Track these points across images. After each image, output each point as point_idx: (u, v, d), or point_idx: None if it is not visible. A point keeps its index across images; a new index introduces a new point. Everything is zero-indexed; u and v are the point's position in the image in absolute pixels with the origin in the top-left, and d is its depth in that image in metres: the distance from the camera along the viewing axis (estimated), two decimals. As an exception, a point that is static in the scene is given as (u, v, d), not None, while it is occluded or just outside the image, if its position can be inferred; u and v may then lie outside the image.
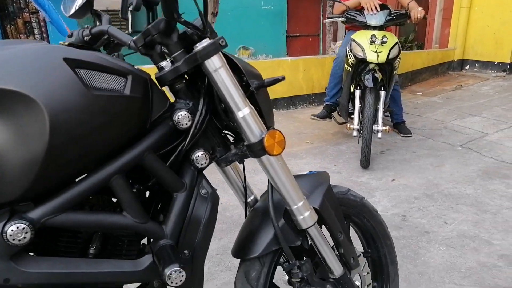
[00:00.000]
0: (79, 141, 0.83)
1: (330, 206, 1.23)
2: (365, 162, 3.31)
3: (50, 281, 0.84)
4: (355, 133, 3.46)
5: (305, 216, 1.14)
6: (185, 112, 0.98)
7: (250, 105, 1.02)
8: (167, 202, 1.03)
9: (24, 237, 0.81)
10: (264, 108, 1.10)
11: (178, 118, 0.98)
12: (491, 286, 1.95)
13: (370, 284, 1.42)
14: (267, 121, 1.10)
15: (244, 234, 1.21)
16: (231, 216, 2.65)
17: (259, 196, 1.34)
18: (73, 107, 0.79)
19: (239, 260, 1.21)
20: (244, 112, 1.00)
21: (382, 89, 3.40)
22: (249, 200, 1.34)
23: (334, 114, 4.23)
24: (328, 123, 4.41)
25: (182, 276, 0.88)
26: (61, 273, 0.86)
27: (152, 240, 0.98)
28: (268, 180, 1.14)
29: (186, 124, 0.99)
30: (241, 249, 1.18)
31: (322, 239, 1.19)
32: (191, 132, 1.00)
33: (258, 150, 1.03)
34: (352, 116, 3.63)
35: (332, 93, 4.14)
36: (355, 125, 3.44)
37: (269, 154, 1.03)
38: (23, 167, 0.80)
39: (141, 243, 1.05)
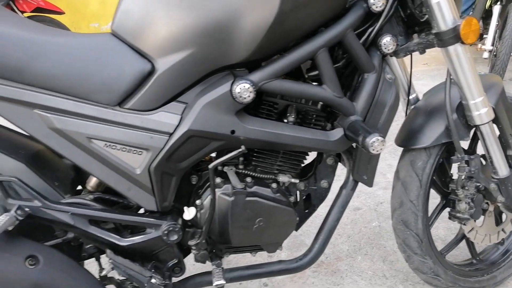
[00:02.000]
0: (301, 10, 0.89)
1: (504, 107, 1.21)
2: (495, 87, 3.07)
3: (262, 137, 0.97)
4: (486, 55, 3.19)
5: (481, 112, 1.14)
6: None
7: None
8: (348, 86, 1.09)
9: (248, 96, 0.92)
10: None
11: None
12: None
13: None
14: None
15: (410, 126, 1.24)
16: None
17: (421, 95, 1.35)
18: None
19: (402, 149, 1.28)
20: None
21: (530, 4, 3.02)
22: (410, 97, 1.36)
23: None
24: (449, 45, 4.08)
25: (383, 144, 0.96)
26: (271, 132, 0.98)
27: (340, 116, 1.06)
28: (448, 71, 1.13)
29: (380, 7, 1.00)
30: (408, 139, 1.23)
31: (493, 137, 1.19)
32: (384, 14, 1.01)
33: (449, 38, 1.02)
34: (484, 36, 3.32)
35: (461, 10, 3.78)
36: (488, 46, 3.16)
37: (463, 43, 1.02)
38: (253, 31, 0.89)
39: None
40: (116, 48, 0.92)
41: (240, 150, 0.92)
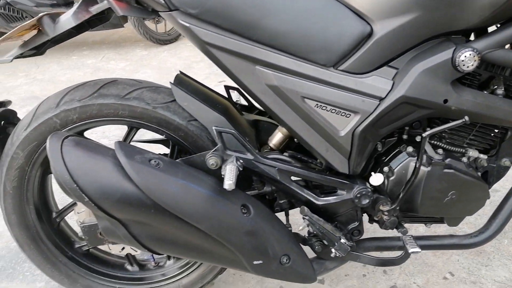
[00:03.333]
0: None
1: None
2: None
3: (473, 109, 0.93)
4: None
5: None
6: None
7: None
8: None
9: (472, 65, 0.88)
10: None
11: None
12: None
13: None
14: None
15: None
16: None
17: None
18: None
19: None
20: None
21: None
22: None
23: None
24: None
25: None
26: (483, 104, 0.94)
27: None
28: None
29: None
30: None
31: None
32: None
33: None
34: None
35: None
36: None
37: None
38: None
39: None
40: (336, 9, 0.91)
41: (462, 120, 0.90)
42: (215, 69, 3.33)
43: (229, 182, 0.85)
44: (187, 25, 0.88)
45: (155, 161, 0.89)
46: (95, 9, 0.94)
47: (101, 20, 1.07)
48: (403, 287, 1.40)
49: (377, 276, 1.44)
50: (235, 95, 1.33)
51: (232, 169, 0.89)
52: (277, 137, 1.12)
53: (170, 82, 1.04)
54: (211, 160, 0.94)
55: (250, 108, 1.33)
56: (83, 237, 1.13)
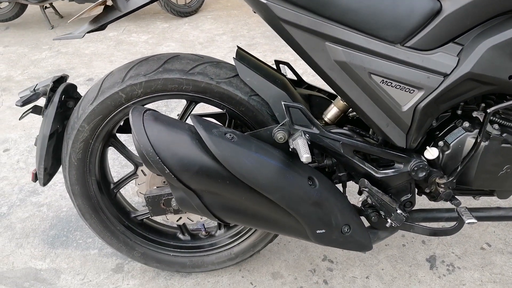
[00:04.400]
0: None
1: None
2: None
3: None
4: None
5: None
6: None
7: None
8: None
9: None
10: None
11: None
12: None
13: None
14: None
15: None
16: None
17: None
18: None
19: None
20: None
21: None
22: None
23: None
24: None
25: None
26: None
27: None
28: None
29: None
30: None
31: None
32: None
33: None
34: None
35: None
36: None
37: None
38: None
39: None
40: None
41: None
42: (238, 42, 3.31)
43: (306, 155, 0.88)
44: (265, 1, 0.89)
45: (230, 135, 0.92)
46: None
47: None
48: (442, 256, 1.46)
49: (416, 246, 1.50)
50: (282, 69, 1.35)
51: (305, 143, 0.92)
52: (332, 112, 1.15)
53: (233, 58, 1.07)
54: (279, 134, 0.98)
55: (299, 83, 1.35)
56: (147, 207, 1.18)
